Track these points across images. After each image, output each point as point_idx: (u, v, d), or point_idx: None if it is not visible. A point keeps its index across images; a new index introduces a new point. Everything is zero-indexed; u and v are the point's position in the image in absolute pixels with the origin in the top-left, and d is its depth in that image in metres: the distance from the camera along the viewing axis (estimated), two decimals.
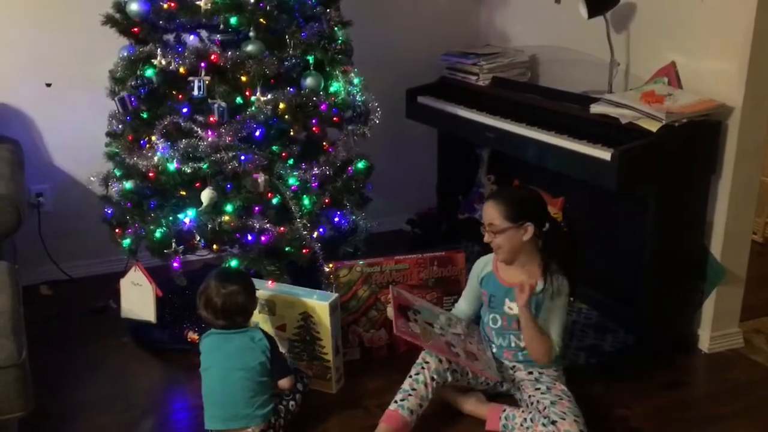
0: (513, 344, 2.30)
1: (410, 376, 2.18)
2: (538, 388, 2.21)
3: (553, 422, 2.05)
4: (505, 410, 2.22)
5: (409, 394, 2.13)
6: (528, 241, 2.23)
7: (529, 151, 2.76)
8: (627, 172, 2.36)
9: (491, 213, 2.25)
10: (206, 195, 2.48)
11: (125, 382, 2.55)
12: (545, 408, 2.12)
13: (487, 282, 2.35)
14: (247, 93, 2.47)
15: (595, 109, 2.56)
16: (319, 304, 2.36)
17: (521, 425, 2.14)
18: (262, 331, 2.21)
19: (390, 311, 2.33)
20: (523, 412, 2.19)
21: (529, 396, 2.22)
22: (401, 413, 2.10)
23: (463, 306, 2.46)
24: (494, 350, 2.35)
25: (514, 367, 2.32)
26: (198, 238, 2.53)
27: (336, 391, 2.44)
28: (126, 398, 2.44)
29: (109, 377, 2.57)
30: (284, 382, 2.19)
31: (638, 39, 2.82)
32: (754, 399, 2.43)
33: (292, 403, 2.21)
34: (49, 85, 3.12)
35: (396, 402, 2.13)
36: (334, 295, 2.41)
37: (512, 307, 2.26)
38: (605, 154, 2.39)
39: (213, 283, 2.17)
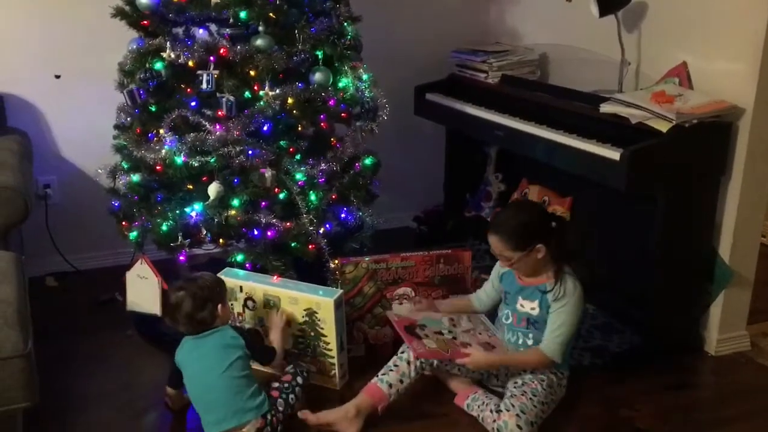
0: (521, 341, 2.31)
1: (396, 354, 2.30)
2: (516, 382, 2.24)
3: (498, 411, 2.16)
4: (476, 392, 2.29)
5: (391, 370, 2.26)
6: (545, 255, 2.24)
7: (538, 149, 2.75)
8: (636, 172, 2.34)
9: (498, 246, 2.25)
10: (213, 189, 2.48)
11: (130, 375, 2.55)
12: (505, 397, 2.20)
13: (506, 279, 2.39)
14: (256, 87, 2.47)
15: (605, 108, 2.55)
16: (324, 300, 2.35)
17: (479, 407, 2.23)
18: (234, 328, 2.25)
19: (403, 337, 2.31)
20: (488, 396, 2.26)
21: (507, 386, 2.28)
22: (379, 386, 2.23)
23: (481, 294, 2.49)
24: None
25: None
26: (204, 232, 2.54)
27: (340, 387, 2.43)
28: (130, 391, 2.45)
29: (113, 370, 2.58)
30: (275, 366, 2.26)
31: (649, 38, 2.81)
32: (760, 402, 2.42)
33: (291, 396, 2.21)
34: (58, 76, 3.12)
35: (377, 376, 2.26)
36: (339, 292, 2.41)
37: (524, 305, 2.30)
38: (614, 154, 2.38)
39: (169, 290, 2.24)
